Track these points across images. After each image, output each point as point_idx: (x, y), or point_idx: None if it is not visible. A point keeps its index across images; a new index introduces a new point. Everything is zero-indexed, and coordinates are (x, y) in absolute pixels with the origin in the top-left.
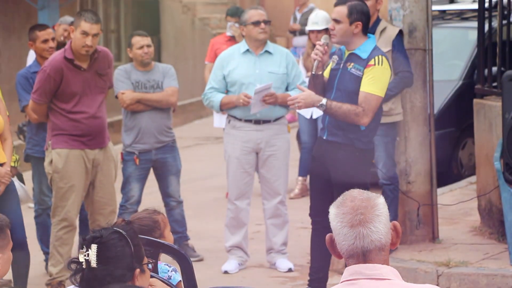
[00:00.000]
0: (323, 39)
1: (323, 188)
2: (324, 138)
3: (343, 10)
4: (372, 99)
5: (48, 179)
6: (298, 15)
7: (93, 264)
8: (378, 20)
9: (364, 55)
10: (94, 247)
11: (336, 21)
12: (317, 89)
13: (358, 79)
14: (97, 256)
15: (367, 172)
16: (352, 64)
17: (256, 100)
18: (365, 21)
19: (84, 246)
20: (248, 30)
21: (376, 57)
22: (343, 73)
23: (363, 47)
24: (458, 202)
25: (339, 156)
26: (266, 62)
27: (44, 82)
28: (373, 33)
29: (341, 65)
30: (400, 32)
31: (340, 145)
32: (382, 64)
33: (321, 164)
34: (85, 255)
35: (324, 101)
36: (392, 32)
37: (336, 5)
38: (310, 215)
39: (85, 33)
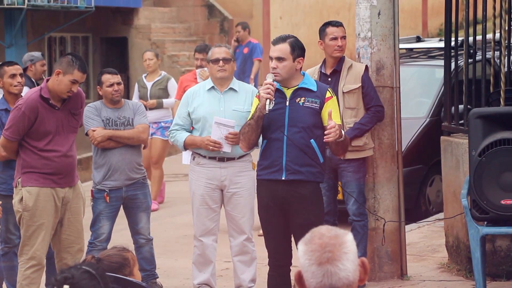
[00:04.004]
0: (270, 77)
1: (286, 235)
2: (283, 178)
3: (285, 47)
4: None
5: (17, 217)
6: (149, 85)
7: None
8: (343, 58)
9: (314, 88)
10: None
11: (280, 59)
12: (260, 129)
13: (316, 112)
14: None
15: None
16: (303, 98)
17: (216, 132)
18: (304, 56)
19: (55, 287)
20: (209, 68)
21: (330, 89)
22: (294, 109)
23: (307, 80)
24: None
25: (305, 195)
26: (231, 100)
27: (18, 120)
28: (340, 70)
29: (286, 102)
30: (366, 68)
31: (304, 182)
32: (335, 95)
33: (279, 210)
34: None
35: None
36: (359, 68)
37: (275, 43)
38: (275, 265)
39: (75, 82)
